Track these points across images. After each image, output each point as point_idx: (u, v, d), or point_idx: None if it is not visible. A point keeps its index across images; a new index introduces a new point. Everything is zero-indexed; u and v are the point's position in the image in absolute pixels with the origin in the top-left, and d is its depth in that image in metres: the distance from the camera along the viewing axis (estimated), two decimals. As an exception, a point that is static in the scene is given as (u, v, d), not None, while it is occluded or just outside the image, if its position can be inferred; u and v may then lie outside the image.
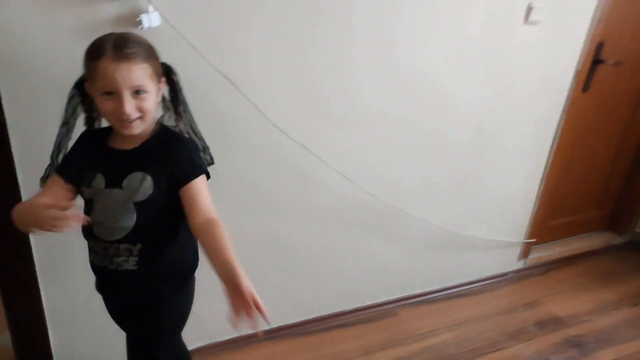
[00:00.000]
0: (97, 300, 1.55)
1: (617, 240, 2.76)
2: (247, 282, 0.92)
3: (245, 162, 1.58)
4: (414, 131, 1.84)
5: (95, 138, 1.11)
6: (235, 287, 0.91)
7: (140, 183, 1.02)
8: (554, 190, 2.37)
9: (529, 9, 1.84)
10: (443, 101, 1.84)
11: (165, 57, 1.32)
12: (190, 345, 1.75)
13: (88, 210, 1.06)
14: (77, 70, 1.24)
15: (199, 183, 1.06)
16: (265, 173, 1.63)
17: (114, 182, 1.03)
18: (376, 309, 2.10)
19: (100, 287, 1.19)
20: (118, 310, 1.24)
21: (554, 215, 2.51)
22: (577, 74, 2.09)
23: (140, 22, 1.24)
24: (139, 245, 1.05)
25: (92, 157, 1.06)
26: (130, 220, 1.02)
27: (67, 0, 1.20)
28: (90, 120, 1.14)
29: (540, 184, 2.29)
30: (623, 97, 2.40)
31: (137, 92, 0.97)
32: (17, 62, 1.21)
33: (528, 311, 2.18)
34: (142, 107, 0.98)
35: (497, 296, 2.29)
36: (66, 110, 1.09)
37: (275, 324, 1.91)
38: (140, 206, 1.02)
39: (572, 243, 2.64)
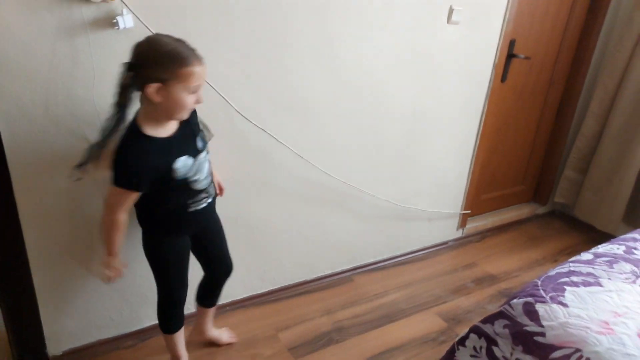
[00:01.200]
0: (81, 276, 1.73)
1: (540, 209, 3.16)
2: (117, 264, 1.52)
3: (213, 146, 1.79)
4: (358, 119, 2.11)
5: (142, 141, 1.31)
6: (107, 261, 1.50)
7: (203, 143, 1.46)
8: (483, 168, 2.72)
9: (451, 11, 2.16)
10: (381, 93, 2.12)
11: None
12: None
13: (182, 185, 1.40)
14: (59, 66, 1.43)
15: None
16: (230, 156, 1.85)
17: (195, 150, 1.41)
18: (334, 277, 2.35)
19: (190, 227, 1.53)
20: (200, 238, 1.59)
21: (485, 190, 2.86)
22: (495, 66, 2.44)
23: (116, 24, 1.44)
24: (212, 186, 1.53)
25: (160, 153, 1.33)
26: (208, 168, 1.48)
27: (49, 3, 1.37)
28: (121, 108, 1.31)
29: (471, 163, 2.62)
30: (535, 86, 2.79)
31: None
32: (4, 61, 1.37)
33: (467, 271, 2.50)
34: (200, 99, 1.34)
35: (440, 261, 2.59)
36: (120, 95, 1.29)
37: (245, 294, 2.12)
38: (205, 157, 1.47)
39: (503, 214, 3.01)
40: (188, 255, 1.58)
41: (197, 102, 1.32)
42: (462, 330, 2.02)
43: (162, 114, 1.32)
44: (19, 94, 1.42)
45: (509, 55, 2.50)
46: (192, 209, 1.46)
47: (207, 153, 1.48)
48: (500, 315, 1.39)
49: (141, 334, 1.89)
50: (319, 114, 2.00)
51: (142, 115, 1.32)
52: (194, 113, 1.45)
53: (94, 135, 1.54)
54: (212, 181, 1.52)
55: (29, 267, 1.61)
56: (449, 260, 2.60)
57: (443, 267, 2.53)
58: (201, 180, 1.44)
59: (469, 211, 2.74)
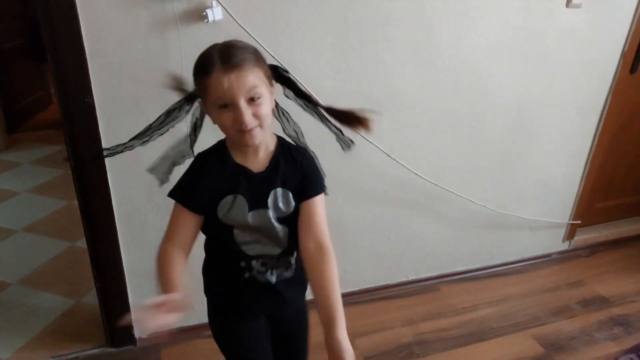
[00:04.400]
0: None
1: (668, 223, 2.71)
2: (346, 344, 0.90)
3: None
4: (455, 114, 1.92)
5: (216, 157, 1.03)
6: (332, 341, 0.91)
7: (285, 200, 1.02)
8: (600, 173, 2.38)
9: (571, -8, 1.87)
10: (483, 86, 1.91)
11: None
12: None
13: (225, 236, 1.02)
14: (151, 58, 1.45)
15: (318, 201, 1.04)
16: (314, 151, 1.77)
17: (258, 202, 1.00)
18: (419, 283, 2.20)
19: (255, 308, 1.13)
20: (272, 326, 1.20)
21: (601, 197, 2.51)
22: (624, 55, 2.09)
23: (205, 16, 1.41)
24: (295, 254, 1.07)
25: (223, 178, 1.00)
26: (284, 234, 1.03)
27: (143, -1, 1.39)
28: (192, 139, 1.12)
29: (585, 166, 2.30)
30: (673, 77, 2.36)
31: (251, 99, 0.91)
32: (104, 52, 1.41)
33: (572, 290, 2.22)
34: (259, 113, 0.92)
35: (540, 275, 2.33)
36: (160, 116, 1.11)
37: (324, 294, 2.06)
38: (287, 220, 1.03)
39: (620, 226, 2.63)
40: (257, 345, 1.17)
41: (238, 122, 0.90)
42: (562, 359, 1.80)
43: (228, 137, 1.02)
44: (114, 88, 1.46)
45: (643, 42, 2.13)
46: (258, 279, 1.06)
47: (284, 224, 1.04)
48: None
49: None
50: (412, 109, 1.85)
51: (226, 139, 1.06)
52: (306, 162, 1.05)
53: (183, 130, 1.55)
54: (291, 255, 1.08)
55: (120, 256, 1.69)
56: (551, 276, 2.33)
57: (544, 283, 2.27)
58: (261, 243, 1.04)
59: (579, 221, 2.42)
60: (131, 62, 1.44)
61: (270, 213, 1.01)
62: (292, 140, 1.12)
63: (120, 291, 1.73)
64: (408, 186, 1.97)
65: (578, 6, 1.91)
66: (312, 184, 1.04)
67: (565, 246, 2.49)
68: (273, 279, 1.07)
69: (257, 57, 0.94)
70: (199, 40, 1.45)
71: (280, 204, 1.01)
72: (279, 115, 1.10)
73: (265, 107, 0.93)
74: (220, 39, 1.42)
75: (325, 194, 1.06)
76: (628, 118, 2.34)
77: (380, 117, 1.80)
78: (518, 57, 1.91)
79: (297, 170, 1.03)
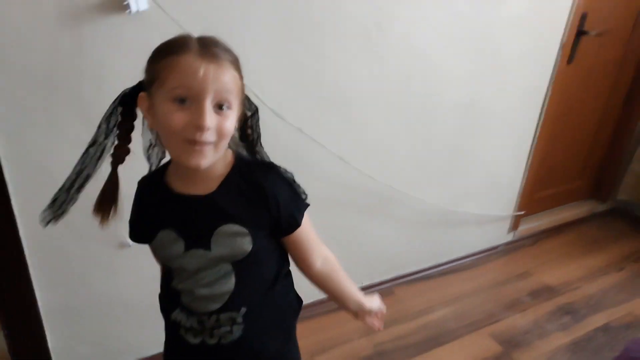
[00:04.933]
0: (96, 300, 1.53)
1: (601, 207, 2.84)
2: (377, 302, 1.05)
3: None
4: (405, 111, 1.82)
5: (153, 183, 0.85)
6: (368, 312, 1.02)
7: (235, 240, 0.79)
8: (541, 163, 2.41)
9: (516, -19, 1.83)
10: (433, 79, 1.82)
11: (157, 41, 1.27)
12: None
13: (168, 275, 0.86)
14: (60, 60, 1.19)
15: (305, 222, 0.87)
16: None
17: (197, 240, 0.79)
18: (373, 289, 2.11)
19: None
20: None
21: (541, 187, 2.56)
22: (563, 46, 2.10)
23: (127, 6, 1.18)
24: (243, 310, 0.84)
25: (158, 209, 0.82)
26: (228, 284, 0.81)
27: (46, -16, 1.13)
28: (119, 150, 0.84)
29: (529, 157, 2.31)
30: (606, 67, 2.43)
31: (219, 107, 0.72)
32: (-2, 53, 1.14)
33: (521, 282, 2.23)
34: (222, 128, 0.72)
35: (490, 269, 2.33)
36: (99, 125, 0.83)
37: (276, 309, 1.90)
38: (238, 265, 0.81)
39: (559, 213, 2.70)
40: None
41: (195, 125, 0.70)
42: (520, 357, 1.79)
43: (170, 152, 0.80)
44: (16, 95, 1.19)
45: (578, 32, 2.15)
46: (188, 340, 0.86)
47: (233, 276, 0.82)
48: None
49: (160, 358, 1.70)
50: (362, 108, 1.72)
51: None
52: (277, 188, 0.82)
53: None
54: (237, 311, 0.84)
55: (33, 293, 1.42)
56: (500, 268, 2.33)
57: (494, 276, 2.27)
58: (195, 294, 0.82)
59: (523, 212, 2.45)
60: (35, 64, 1.17)
61: (213, 255, 0.79)
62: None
63: (36, 335, 1.46)
64: (360, 189, 1.85)
65: (523, -5, 1.88)
66: (294, 210, 0.85)
67: (510, 237, 2.51)
68: (211, 342, 0.84)
69: (238, 64, 0.77)
70: (120, 34, 1.23)
71: (227, 246, 0.79)
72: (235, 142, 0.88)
73: (230, 123, 0.75)
74: (146, 32, 1.21)
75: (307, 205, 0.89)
76: (566, 108, 2.38)
77: (329, 117, 1.66)
78: (469, 49, 1.84)
79: (267, 200, 0.80)
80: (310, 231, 0.90)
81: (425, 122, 1.89)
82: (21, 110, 1.20)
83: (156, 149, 0.89)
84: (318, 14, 1.48)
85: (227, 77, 0.72)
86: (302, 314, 1.92)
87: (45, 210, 0.86)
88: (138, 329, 1.64)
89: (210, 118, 0.70)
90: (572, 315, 2.03)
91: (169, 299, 0.88)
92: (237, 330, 0.85)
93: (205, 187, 0.79)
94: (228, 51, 0.75)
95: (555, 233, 2.63)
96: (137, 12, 1.19)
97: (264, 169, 0.84)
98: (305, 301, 1.92)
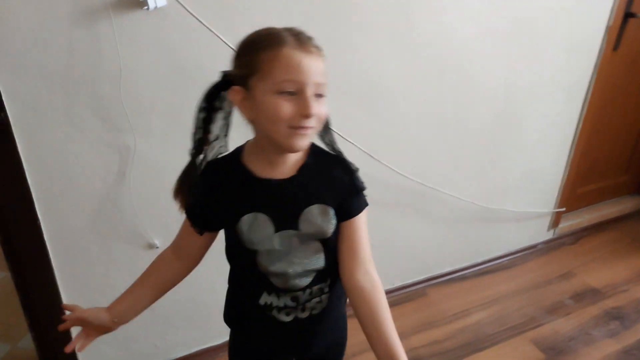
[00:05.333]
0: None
1: (647, 203, 2.66)
2: None
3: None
4: (438, 104, 1.73)
5: (230, 169, 0.85)
6: None
7: (321, 219, 0.83)
8: (583, 156, 2.27)
9: (557, -37, 1.70)
10: (468, 69, 1.72)
11: (176, 37, 1.22)
12: (222, 339, 1.70)
13: (247, 261, 0.86)
14: (77, 60, 1.15)
15: (362, 220, 0.88)
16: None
17: (286, 222, 0.82)
18: (405, 290, 2.03)
19: (276, 345, 0.96)
20: None
21: (583, 182, 2.41)
22: (609, 30, 1.95)
23: (145, 3, 1.13)
24: (328, 280, 0.90)
25: (240, 193, 0.83)
26: (319, 261, 0.86)
27: (62, -18, 1.09)
28: (200, 141, 0.84)
29: (570, 151, 2.18)
30: (655, 53, 2.26)
31: (317, 95, 0.76)
32: (14, 56, 1.10)
33: (563, 283, 2.11)
34: (321, 114, 0.78)
35: (529, 269, 2.21)
36: (195, 128, 0.84)
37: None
38: (325, 242, 0.85)
39: (602, 209, 2.55)
40: None
41: (302, 114, 0.74)
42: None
43: (264, 141, 0.82)
44: (34, 97, 1.15)
45: (626, 14, 2.00)
46: (280, 319, 0.90)
47: (322, 253, 0.87)
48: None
49: (189, 360, 1.67)
50: (392, 102, 1.64)
51: (251, 142, 0.86)
52: (343, 173, 0.86)
53: (125, 141, 1.28)
54: (326, 284, 0.91)
55: (59, 297, 1.40)
56: (540, 269, 2.21)
57: (534, 277, 2.15)
58: (289, 274, 0.85)
59: (564, 208, 2.31)
60: (52, 64, 1.14)
61: (302, 234, 0.83)
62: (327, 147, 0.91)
63: (62, 336, 1.45)
64: (392, 187, 1.77)
65: (565, -20, 1.75)
66: (353, 199, 0.86)
67: (550, 235, 2.38)
68: (304, 316, 0.90)
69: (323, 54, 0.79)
70: (139, 32, 1.18)
71: (318, 222, 0.83)
72: None
73: (325, 109, 0.79)
74: (165, 29, 1.15)
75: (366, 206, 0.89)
76: (610, 98, 2.23)
77: (358, 112, 1.58)
78: (505, 39, 1.73)
79: (334, 183, 0.85)
80: (363, 235, 0.88)
81: (459, 115, 1.79)
82: (40, 112, 1.17)
83: (219, 142, 0.88)
84: (342, 3, 1.40)
85: (321, 67, 0.77)
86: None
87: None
88: (164, 331, 1.61)
89: (315, 105, 0.75)
90: (620, 320, 1.90)
91: (254, 286, 0.89)
92: (325, 299, 0.91)
93: (286, 172, 0.83)
94: (314, 41, 0.78)
95: (598, 230, 2.48)
96: (156, 8, 1.14)
97: (333, 158, 0.88)
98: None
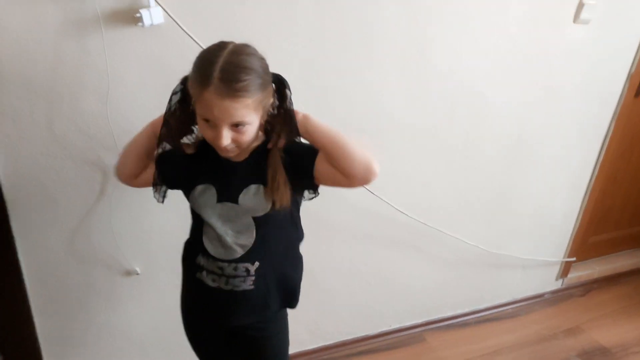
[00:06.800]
0: (97, 329, 1.42)
1: (664, 257, 2.52)
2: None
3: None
4: (446, 140, 1.64)
5: (206, 146, 0.96)
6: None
7: (258, 198, 0.94)
8: (598, 204, 2.16)
9: (580, 5, 1.63)
10: (479, 106, 1.64)
11: (170, 57, 1.16)
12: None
13: (197, 223, 1.00)
14: (63, 73, 1.09)
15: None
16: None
17: (228, 195, 0.95)
18: (402, 333, 1.91)
19: (201, 308, 1.06)
20: (218, 336, 1.11)
21: (596, 230, 2.29)
22: (631, 77, 1.87)
23: (140, 19, 1.07)
24: (256, 264, 0.98)
25: (200, 164, 0.97)
26: (249, 237, 0.96)
27: (53, -9, 1.04)
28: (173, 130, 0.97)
29: (584, 198, 2.07)
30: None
31: (236, 125, 0.87)
32: (-3, 62, 1.05)
33: (570, 339, 1.97)
34: (239, 140, 0.89)
35: (534, 320, 2.08)
36: (167, 107, 0.95)
37: (291, 350, 1.73)
38: (259, 221, 0.96)
39: (614, 261, 2.42)
40: (201, 344, 1.14)
41: (215, 140, 0.88)
42: None
43: None
44: (15, 109, 1.10)
45: (649, 62, 1.92)
46: (207, 283, 1.00)
47: (257, 226, 0.97)
48: None
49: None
50: (396, 136, 1.56)
51: None
52: (290, 147, 0.96)
53: (108, 159, 1.21)
54: (251, 264, 0.98)
55: (32, 320, 1.32)
56: (545, 321, 2.08)
57: (538, 329, 2.02)
58: (221, 242, 0.96)
59: (574, 258, 2.19)
60: (37, 76, 1.08)
61: (240, 208, 0.95)
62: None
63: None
64: (391, 224, 1.67)
65: (586, 22, 1.67)
66: (308, 152, 0.97)
67: (558, 285, 2.25)
68: (226, 288, 0.98)
69: (262, 81, 0.87)
70: (130, 48, 1.12)
71: (253, 200, 0.94)
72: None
73: (248, 135, 0.89)
74: (159, 47, 1.09)
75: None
76: (629, 145, 2.13)
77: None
78: (520, 77, 1.65)
79: (284, 156, 0.95)
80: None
81: (468, 153, 1.70)
82: (21, 124, 1.11)
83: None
84: (352, 33, 1.33)
85: (240, 110, 0.84)
86: (318, 356, 1.76)
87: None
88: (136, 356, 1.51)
89: (226, 139, 0.86)
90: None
91: (195, 246, 1.01)
92: (248, 282, 0.97)
93: (242, 155, 0.96)
94: (250, 72, 0.84)
95: (609, 284, 2.34)
96: (151, 25, 1.08)
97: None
98: (323, 343, 1.78)
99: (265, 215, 0.95)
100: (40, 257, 1.27)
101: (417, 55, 1.45)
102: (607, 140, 1.97)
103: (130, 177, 1.06)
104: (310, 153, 0.96)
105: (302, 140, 0.98)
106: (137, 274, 1.39)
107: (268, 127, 0.96)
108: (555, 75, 1.72)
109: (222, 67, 0.82)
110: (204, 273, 0.99)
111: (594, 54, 1.74)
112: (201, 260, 1.00)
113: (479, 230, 1.86)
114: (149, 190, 1.29)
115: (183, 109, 0.94)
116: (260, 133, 0.96)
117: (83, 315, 1.39)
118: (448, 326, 1.98)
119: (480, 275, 1.98)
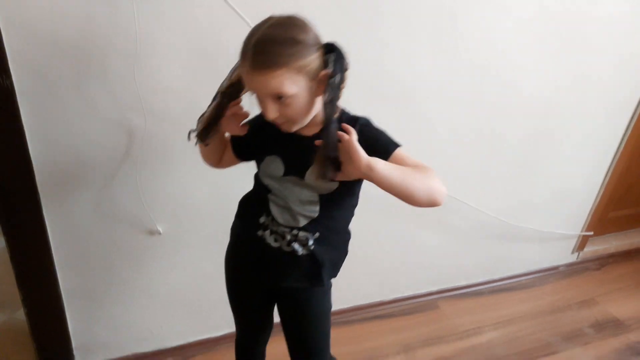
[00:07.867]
0: (119, 286, 1.45)
1: (683, 234, 2.50)
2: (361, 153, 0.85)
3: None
4: (473, 111, 1.62)
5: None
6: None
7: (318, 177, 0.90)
8: (620, 180, 2.13)
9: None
10: (510, 79, 1.60)
11: (202, 21, 1.14)
12: (221, 331, 1.64)
13: (263, 187, 1.00)
14: (92, 31, 1.08)
15: (400, 153, 0.94)
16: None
17: (295, 170, 0.95)
18: (416, 299, 1.94)
19: (256, 264, 1.06)
20: (264, 293, 1.13)
21: (616, 206, 2.27)
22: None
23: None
24: (317, 235, 0.99)
25: (271, 137, 0.96)
26: (313, 211, 0.98)
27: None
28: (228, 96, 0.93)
29: (607, 173, 2.05)
30: None
31: (279, 98, 0.84)
32: (24, 22, 1.03)
33: (584, 310, 1.99)
34: (286, 113, 0.86)
35: (548, 291, 2.09)
36: (229, 76, 0.92)
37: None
38: (324, 197, 0.97)
39: (632, 237, 2.41)
40: (243, 298, 1.17)
41: (264, 114, 0.86)
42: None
43: None
44: (43, 68, 1.09)
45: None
46: (268, 242, 1.01)
47: (318, 205, 0.97)
48: None
49: (184, 350, 1.62)
50: (424, 103, 1.53)
51: None
52: (366, 132, 0.91)
53: (134, 120, 1.20)
54: (311, 234, 0.99)
55: (54, 269, 1.35)
56: (560, 292, 2.10)
57: (553, 300, 2.04)
58: (287, 211, 0.98)
59: (592, 232, 2.18)
60: (66, 33, 1.06)
61: (305, 184, 0.95)
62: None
63: (56, 315, 1.41)
64: (412, 193, 1.67)
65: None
66: (382, 147, 0.92)
67: (573, 258, 2.26)
68: (287, 250, 1.00)
69: (295, 49, 0.81)
70: (160, 7, 1.10)
71: (316, 180, 0.92)
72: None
73: (294, 107, 0.86)
74: (188, 7, 1.07)
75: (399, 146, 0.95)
76: (657, 119, 2.08)
77: (385, 114, 1.48)
78: (553, 49, 1.60)
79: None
80: (407, 158, 0.94)
81: (494, 124, 1.68)
82: (50, 82, 1.10)
83: None
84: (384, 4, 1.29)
85: (273, 81, 0.81)
86: (337, 318, 1.80)
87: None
88: (160, 319, 1.56)
89: (271, 112, 0.85)
90: (642, 357, 1.78)
91: (259, 206, 1.02)
92: (307, 250, 0.99)
93: (311, 130, 0.92)
94: (281, 46, 0.80)
95: (625, 259, 2.34)
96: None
97: (353, 118, 0.95)
98: (342, 306, 1.81)
99: (331, 193, 0.95)
100: (64, 214, 1.29)
101: (448, 21, 1.41)
102: (636, 116, 1.93)
103: (216, 162, 1.08)
104: (383, 152, 0.91)
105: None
106: (160, 233, 1.41)
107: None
108: (588, 48, 1.67)
109: (257, 41, 0.81)
110: (267, 232, 1.01)
111: (630, 27, 1.68)
112: (265, 220, 1.01)
113: (500, 202, 1.85)
114: (174, 152, 1.30)
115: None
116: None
117: (106, 272, 1.42)
118: (462, 295, 2.00)
119: (497, 246, 1.99)
